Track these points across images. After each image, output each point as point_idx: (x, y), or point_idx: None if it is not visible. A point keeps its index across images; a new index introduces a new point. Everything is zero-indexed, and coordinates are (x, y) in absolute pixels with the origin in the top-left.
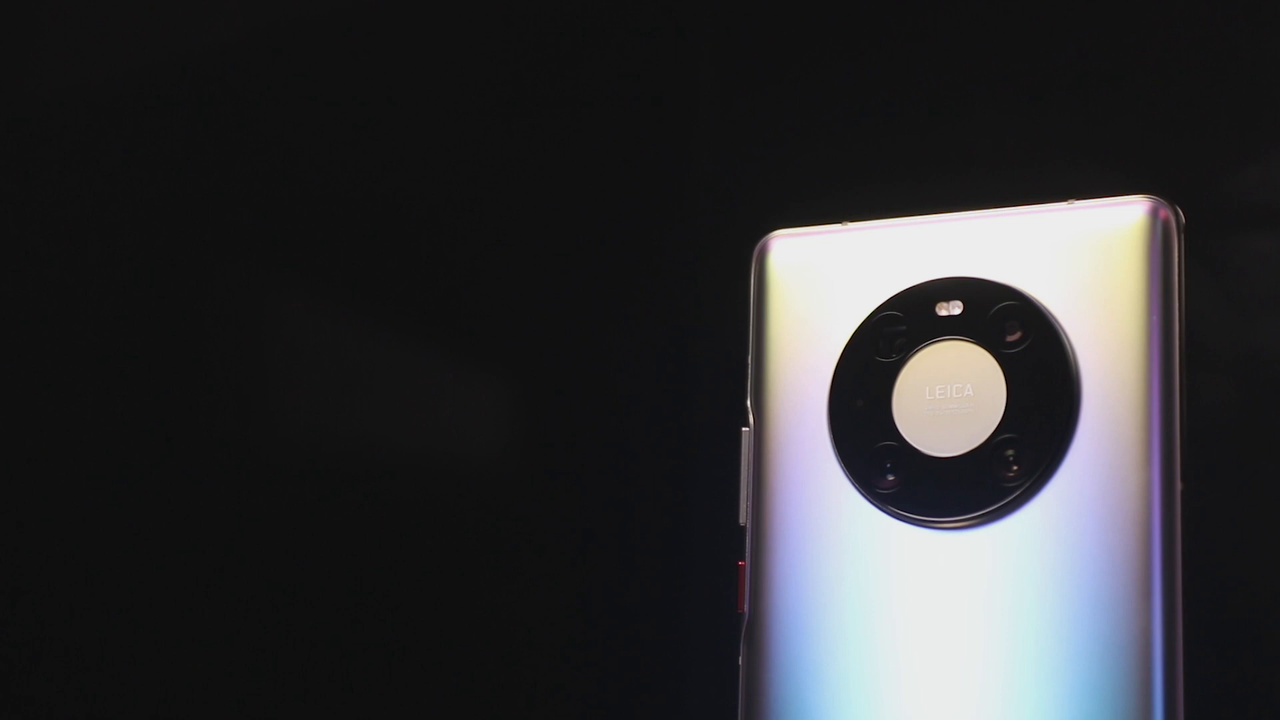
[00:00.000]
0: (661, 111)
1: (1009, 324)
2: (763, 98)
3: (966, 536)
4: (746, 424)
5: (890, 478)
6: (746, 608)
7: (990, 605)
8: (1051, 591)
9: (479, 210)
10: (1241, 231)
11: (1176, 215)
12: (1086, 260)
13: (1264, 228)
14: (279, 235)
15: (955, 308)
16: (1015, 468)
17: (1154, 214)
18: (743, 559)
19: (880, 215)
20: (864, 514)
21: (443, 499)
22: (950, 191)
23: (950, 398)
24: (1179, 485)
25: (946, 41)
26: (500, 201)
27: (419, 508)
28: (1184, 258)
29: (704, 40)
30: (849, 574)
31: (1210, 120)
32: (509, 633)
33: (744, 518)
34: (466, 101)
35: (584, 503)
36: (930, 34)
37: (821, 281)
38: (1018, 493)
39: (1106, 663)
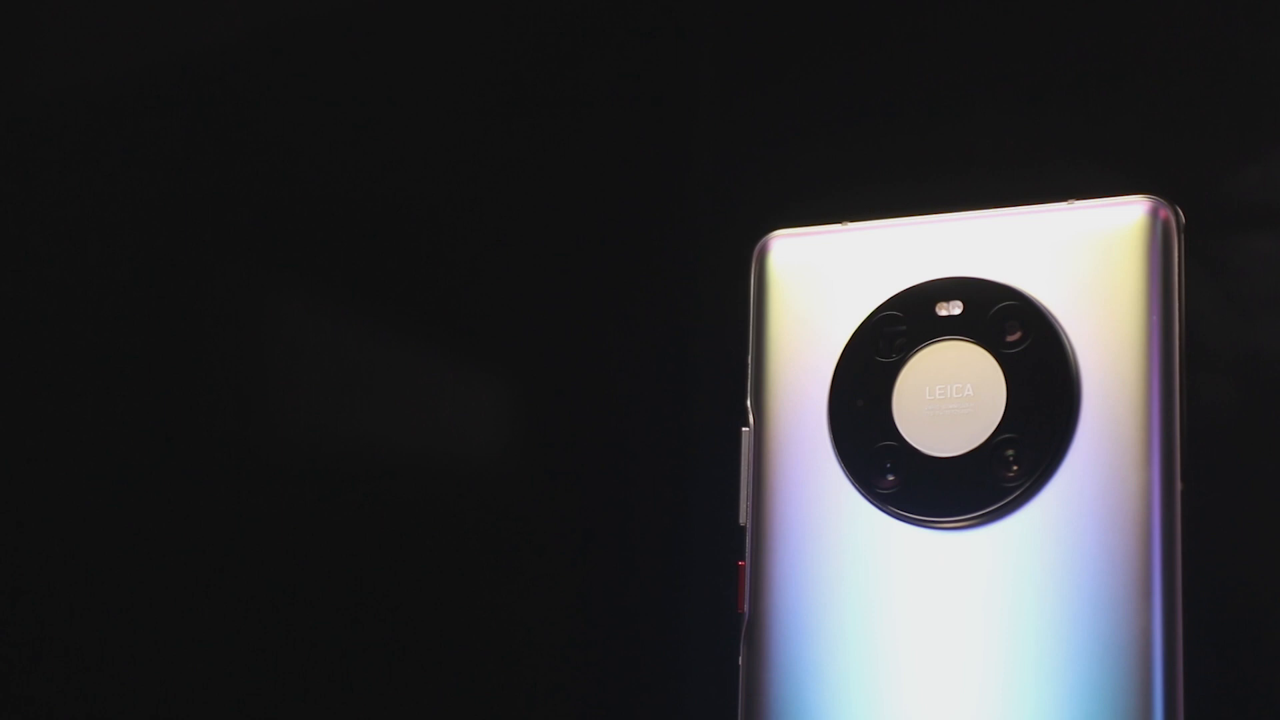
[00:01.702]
0: (661, 111)
1: (1009, 324)
2: (763, 98)
3: (966, 536)
4: (746, 424)
5: (890, 478)
6: (746, 608)
7: (990, 605)
8: (1051, 591)
9: (479, 210)
10: (1241, 231)
11: (1176, 215)
12: (1086, 260)
13: (1264, 228)
14: (279, 235)
15: (955, 308)
16: (1015, 468)
17: (1154, 214)
18: (743, 559)
19: (880, 215)
20: (864, 514)
21: (443, 499)
22: (950, 191)
23: (950, 398)
24: (1179, 485)
25: (946, 41)
26: (500, 201)
27: (419, 508)
28: (1184, 258)
29: (704, 40)
30: (849, 574)
31: (1210, 120)
32: (509, 633)
33: (744, 518)
34: (466, 101)
35: (584, 503)
36: (930, 34)
37: (821, 281)
38: (1018, 493)
39: (1106, 663)
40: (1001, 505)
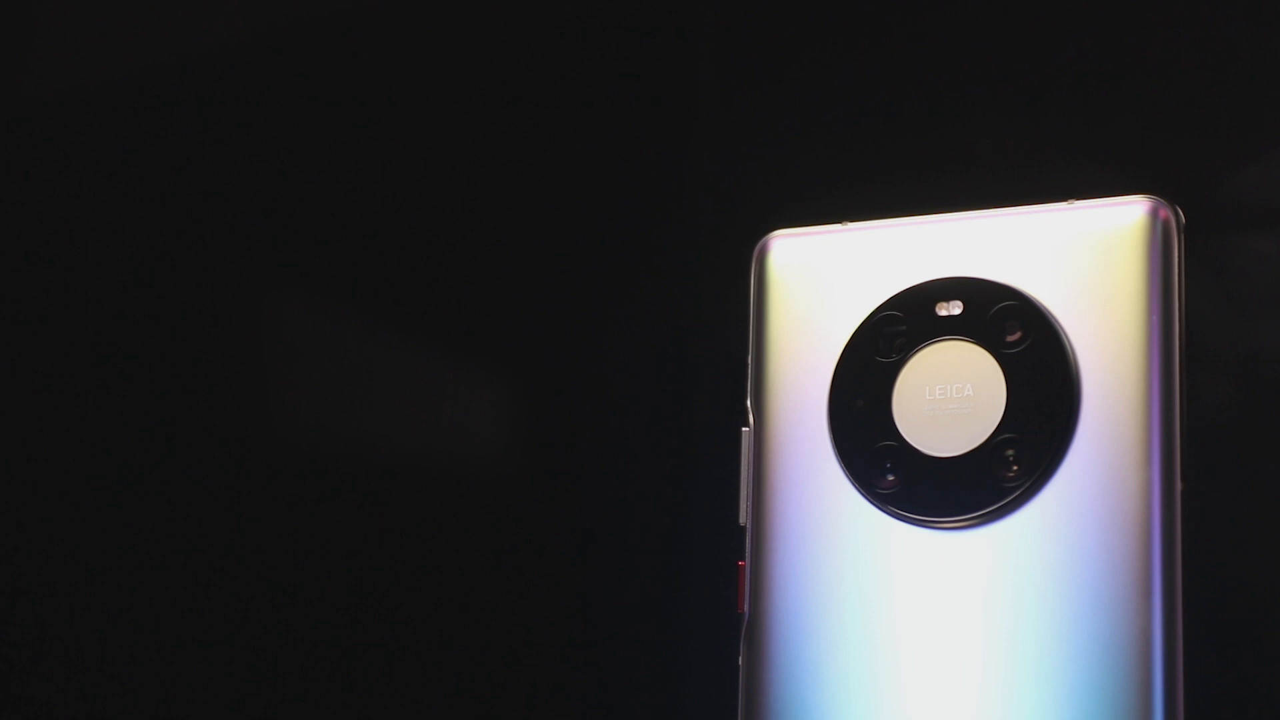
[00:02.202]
0: (661, 111)
1: (1009, 324)
2: (763, 98)
3: (966, 536)
4: (746, 424)
5: (890, 478)
6: (746, 608)
7: (990, 605)
8: (1051, 591)
9: (479, 210)
10: (1241, 231)
11: (1176, 215)
12: (1086, 260)
13: (1264, 228)
14: (279, 235)
15: (955, 308)
16: (1015, 468)
17: (1154, 214)
18: (743, 559)
19: (880, 215)
20: (864, 514)
21: (443, 499)
22: (950, 191)
23: (950, 398)
24: (1179, 485)
25: (946, 41)
26: (500, 201)
27: (419, 508)
28: (1184, 258)
29: (704, 40)
30: (849, 574)
31: (1210, 120)
32: (509, 633)
33: (744, 518)
34: (466, 101)
35: (584, 503)
36: (930, 34)
37: (821, 281)
38: (1018, 493)
39: (1106, 663)
40: (1001, 505)
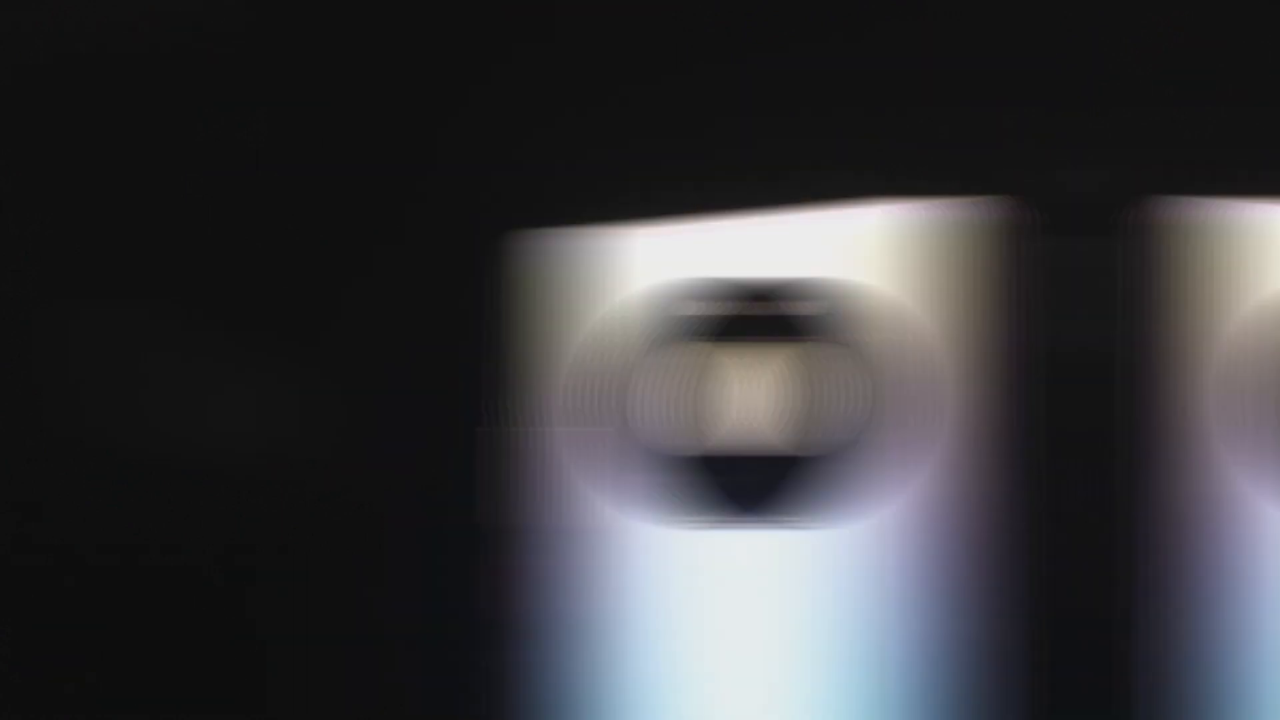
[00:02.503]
0: None
1: (850, 324)
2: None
3: (806, 540)
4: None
5: (721, 479)
6: (530, 613)
7: (828, 612)
8: (893, 598)
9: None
10: (1076, 232)
11: (1025, 214)
12: (930, 259)
13: (1100, 230)
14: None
15: (779, 307)
16: (850, 472)
17: (999, 213)
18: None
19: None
20: (684, 521)
21: (442, 499)
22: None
23: (784, 399)
24: (1027, 490)
25: (941, 40)
26: None
27: (418, 507)
28: (1032, 257)
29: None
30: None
31: (1054, 121)
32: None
33: (535, 521)
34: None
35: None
36: (926, 33)
37: (595, 281)
38: (860, 499)
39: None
40: (835, 511)
